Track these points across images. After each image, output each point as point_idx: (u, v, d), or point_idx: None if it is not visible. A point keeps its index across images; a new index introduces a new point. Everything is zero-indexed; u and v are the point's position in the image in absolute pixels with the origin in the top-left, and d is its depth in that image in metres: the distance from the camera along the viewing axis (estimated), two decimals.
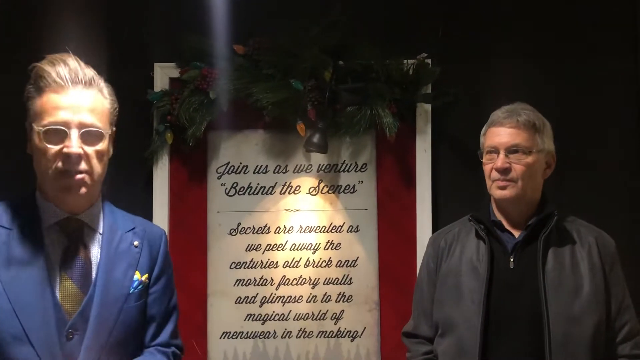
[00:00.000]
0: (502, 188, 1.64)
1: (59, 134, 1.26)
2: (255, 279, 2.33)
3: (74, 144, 1.26)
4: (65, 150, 1.25)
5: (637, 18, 2.37)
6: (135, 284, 1.38)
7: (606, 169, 2.36)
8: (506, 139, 1.64)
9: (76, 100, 1.28)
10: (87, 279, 1.30)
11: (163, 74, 2.33)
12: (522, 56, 2.38)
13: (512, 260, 1.63)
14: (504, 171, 1.62)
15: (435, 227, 2.29)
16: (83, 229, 1.35)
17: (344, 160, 2.36)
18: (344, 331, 2.32)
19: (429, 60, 2.30)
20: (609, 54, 2.38)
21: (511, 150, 1.63)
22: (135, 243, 1.40)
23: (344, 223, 2.34)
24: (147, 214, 2.31)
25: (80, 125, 1.28)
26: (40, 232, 1.28)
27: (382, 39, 2.32)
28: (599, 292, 1.59)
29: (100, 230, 1.38)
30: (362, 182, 2.35)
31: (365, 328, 2.32)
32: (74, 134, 1.26)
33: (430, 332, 1.74)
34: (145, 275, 1.41)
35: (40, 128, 1.27)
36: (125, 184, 2.34)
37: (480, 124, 2.28)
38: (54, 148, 1.26)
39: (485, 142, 1.71)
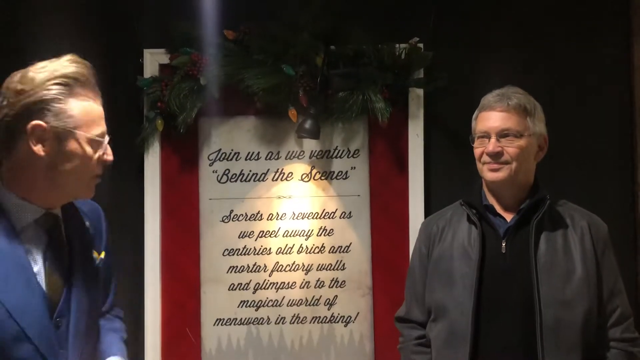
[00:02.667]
0: (494, 170, 1.63)
1: (99, 142, 1.31)
2: (248, 266, 2.32)
3: (110, 152, 1.34)
4: (106, 157, 1.32)
5: (630, 3, 2.36)
6: (97, 262, 1.43)
7: (597, 155, 2.36)
8: (497, 123, 1.63)
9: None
10: (64, 267, 1.32)
11: (153, 60, 2.30)
12: (515, 41, 2.37)
13: (504, 244, 1.63)
14: (495, 155, 1.62)
15: (427, 213, 2.29)
16: (58, 222, 1.35)
17: (336, 146, 2.35)
18: (337, 316, 2.32)
19: (421, 45, 2.28)
20: (602, 39, 2.38)
21: (502, 134, 1.62)
22: (87, 224, 1.43)
23: (336, 209, 2.34)
24: (138, 202, 2.30)
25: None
26: (15, 231, 1.26)
27: (373, 24, 2.31)
28: (591, 277, 1.58)
29: (64, 219, 1.39)
30: (354, 168, 2.34)
31: (358, 313, 2.33)
32: (106, 141, 1.34)
33: (422, 317, 1.75)
34: (102, 253, 1.46)
35: (89, 135, 1.28)
36: (116, 172, 2.26)
37: (472, 109, 2.26)
38: (94, 155, 1.30)
39: (477, 127, 1.70)
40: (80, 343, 1.30)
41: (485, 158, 1.64)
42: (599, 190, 2.32)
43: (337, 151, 2.35)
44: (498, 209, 1.69)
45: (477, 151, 1.68)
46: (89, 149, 1.29)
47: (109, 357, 1.41)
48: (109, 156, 1.33)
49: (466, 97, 2.28)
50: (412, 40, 2.27)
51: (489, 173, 1.64)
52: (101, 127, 1.31)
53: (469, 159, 2.28)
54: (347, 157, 2.35)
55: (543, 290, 1.55)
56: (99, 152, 1.31)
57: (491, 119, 1.64)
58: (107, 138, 1.33)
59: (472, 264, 1.62)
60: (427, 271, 1.74)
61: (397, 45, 2.28)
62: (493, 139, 1.62)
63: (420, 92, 2.31)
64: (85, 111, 1.28)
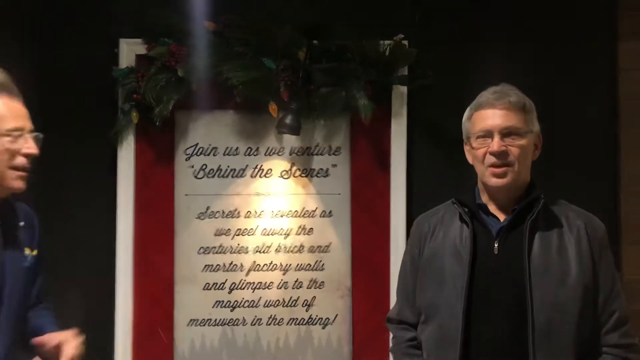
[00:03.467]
0: (499, 176, 1.54)
1: (15, 135, 1.41)
2: (224, 265, 2.26)
3: (32, 146, 1.43)
4: (26, 150, 1.42)
5: (616, 6, 2.35)
6: (28, 258, 1.51)
7: (581, 155, 2.35)
8: (500, 121, 1.53)
9: None
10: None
11: (129, 50, 2.23)
12: (501, 39, 2.35)
13: (496, 245, 1.56)
14: (501, 154, 1.52)
15: (409, 213, 2.26)
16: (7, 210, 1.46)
17: (318, 143, 2.30)
18: (315, 318, 2.28)
19: (405, 42, 2.25)
20: (588, 41, 2.36)
21: (505, 132, 1.53)
22: (21, 223, 1.50)
23: (316, 208, 2.29)
24: (111, 197, 2.23)
25: None
26: None
27: (357, 19, 2.27)
28: (587, 279, 1.52)
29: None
30: (335, 165, 2.30)
31: (337, 315, 2.28)
32: (30, 135, 1.45)
33: (414, 318, 1.69)
34: (35, 251, 1.53)
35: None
36: (88, 165, 2.27)
37: (457, 108, 2.22)
38: (10, 147, 1.40)
39: (475, 126, 1.59)
40: (11, 333, 1.40)
41: (489, 159, 1.54)
42: (583, 189, 2.28)
43: (318, 148, 2.30)
44: (492, 208, 1.62)
45: (479, 152, 1.57)
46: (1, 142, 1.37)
47: (47, 333, 1.50)
48: (30, 149, 1.41)
49: (451, 96, 2.27)
50: (397, 36, 2.23)
51: (492, 178, 1.55)
52: (18, 122, 1.39)
53: (452, 159, 2.27)
54: (328, 154, 2.30)
55: (536, 293, 1.50)
56: (16, 145, 1.38)
57: (493, 117, 1.54)
58: (29, 132, 1.41)
59: (463, 263, 1.55)
60: (418, 270, 1.69)
61: (381, 42, 2.24)
62: (497, 138, 1.53)
63: (404, 89, 2.27)
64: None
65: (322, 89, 2.20)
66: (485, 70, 2.28)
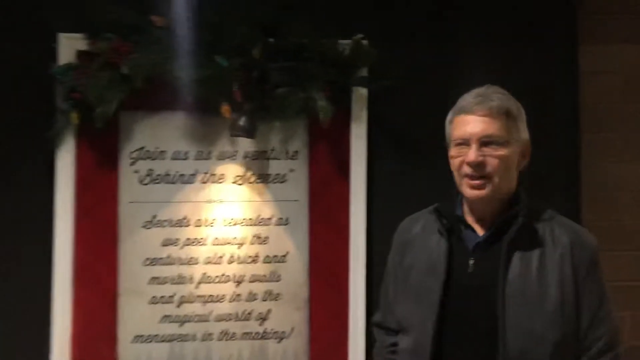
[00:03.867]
0: (476, 188, 1.44)
1: None
2: (172, 277, 2.13)
3: None
4: None
5: (577, 9, 2.32)
6: None
7: (542, 161, 2.27)
8: (478, 129, 1.44)
9: None
10: None
11: (69, 46, 2.07)
12: (463, 40, 2.28)
13: (471, 262, 1.46)
14: (477, 166, 1.43)
15: (370, 220, 2.18)
16: None
17: (273, 147, 2.19)
18: (270, 332, 2.17)
19: (365, 41, 2.15)
20: (549, 44, 2.33)
21: (484, 141, 1.44)
22: None
23: (272, 215, 2.18)
24: (48, 204, 2.07)
25: None
26: None
27: (316, 17, 2.15)
28: (567, 305, 1.41)
29: None
30: (292, 171, 2.20)
31: (293, 328, 2.18)
32: None
33: (395, 325, 1.63)
34: None
35: None
36: (24, 170, 2.11)
37: (419, 111, 2.23)
38: None
39: (453, 133, 1.50)
40: None
41: (466, 169, 1.45)
42: (545, 196, 2.21)
43: (274, 152, 2.20)
44: (471, 220, 1.52)
45: (455, 161, 1.49)
46: None
47: None
48: None
49: (413, 99, 2.23)
50: (356, 36, 2.14)
51: (468, 190, 1.46)
52: None
53: (414, 164, 2.24)
54: (285, 159, 2.20)
55: (510, 319, 1.38)
56: None
57: (471, 123, 1.45)
58: None
59: (437, 280, 1.47)
60: (397, 280, 1.61)
61: (341, 41, 2.14)
62: (474, 147, 1.43)
63: (364, 91, 2.18)
64: None
65: (278, 89, 2.08)
66: (449, 72, 2.23)
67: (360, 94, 2.17)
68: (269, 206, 2.18)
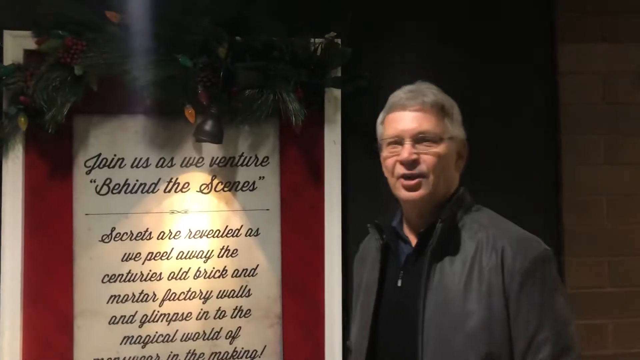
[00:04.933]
0: (411, 189, 1.35)
1: None
2: (133, 295, 2.00)
3: None
4: None
5: (554, 8, 2.27)
6: None
7: (521, 162, 2.24)
8: (412, 125, 1.35)
9: None
10: None
11: (15, 45, 1.93)
12: (441, 40, 2.21)
13: (400, 277, 1.37)
14: (412, 164, 1.34)
15: (345, 229, 2.09)
16: None
17: (242, 153, 2.08)
18: (240, 351, 2.05)
19: (338, 40, 2.05)
20: (527, 43, 2.26)
21: (418, 138, 1.35)
22: None
23: (241, 226, 2.07)
24: None
25: None
26: None
27: (286, 15, 2.04)
28: (495, 321, 1.25)
29: None
30: (263, 178, 2.09)
31: (265, 346, 2.07)
32: None
33: None
34: None
35: None
36: None
37: None
38: None
39: (385, 131, 1.43)
40: None
41: (400, 169, 1.37)
42: (523, 200, 2.19)
43: (242, 158, 2.08)
44: (408, 231, 1.42)
45: (388, 162, 1.41)
46: None
47: None
48: None
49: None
50: (329, 34, 2.04)
51: (403, 192, 1.37)
52: None
53: None
54: (255, 165, 2.09)
55: (428, 338, 1.27)
56: None
57: (403, 120, 1.37)
58: None
59: (372, 298, 1.39)
60: (355, 300, 1.55)
61: (313, 40, 2.04)
62: (408, 144, 1.35)
63: (337, 93, 2.08)
64: None
65: (246, 91, 1.98)
66: (425, 71, 2.09)
67: (334, 95, 2.08)
68: (238, 216, 2.07)
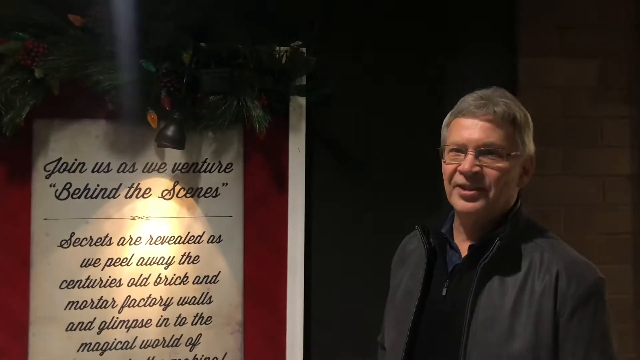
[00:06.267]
0: (468, 199, 1.28)
1: None
2: (92, 301, 1.95)
3: None
4: None
5: (515, 21, 2.31)
6: None
7: None
8: (478, 135, 1.27)
9: None
10: None
11: None
12: (404, 48, 2.21)
13: (446, 286, 1.32)
14: (473, 177, 1.27)
15: (308, 237, 2.09)
16: None
17: (206, 159, 2.05)
18: (201, 358, 2.02)
19: (303, 49, 2.05)
20: (485, 50, 2.28)
21: (483, 151, 1.27)
22: None
23: (203, 232, 2.04)
24: None
25: None
26: None
27: (251, 22, 2.03)
28: (542, 347, 1.21)
29: None
30: (226, 184, 2.06)
31: (226, 354, 2.04)
32: None
33: None
34: None
35: None
36: None
37: (359, 121, 2.15)
38: None
39: (449, 136, 1.34)
40: None
41: (458, 178, 1.30)
42: None
43: (206, 164, 2.05)
44: (459, 239, 1.37)
45: (447, 168, 1.33)
46: None
47: None
48: None
49: (352, 109, 2.15)
50: (294, 43, 2.04)
51: (459, 202, 1.30)
52: None
53: (355, 177, 2.15)
54: (218, 171, 2.06)
55: (470, 353, 1.23)
56: None
57: (470, 128, 1.28)
58: None
59: (412, 304, 1.35)
60: (390, 299, 1.51)
61: (278, 48, 2.03)
62: (470, 155, 1.27)
63: (302, 101, 2.08)
64: None
65: (210, 97, 1.95)
66: (388, 81, 2.18)
67: (298, 103, 2.07)
68: (200, 222, 2.04)
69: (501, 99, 1.30)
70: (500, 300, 1.24)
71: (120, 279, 1.97)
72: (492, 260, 1.26)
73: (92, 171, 1.97)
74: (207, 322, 2.03)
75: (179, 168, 2.03)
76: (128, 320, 1.97)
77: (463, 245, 1.35)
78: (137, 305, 1.98)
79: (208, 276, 2.04)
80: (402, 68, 2.20)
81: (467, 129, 1.29)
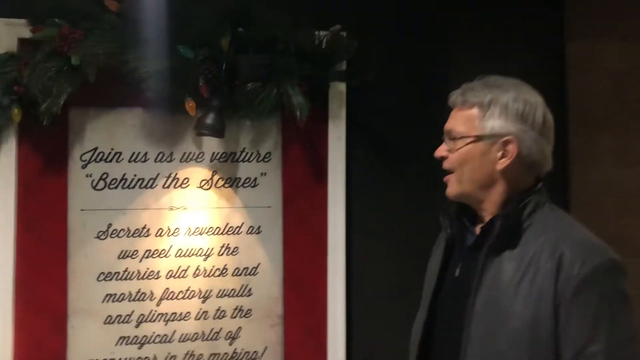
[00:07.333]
0: (448, 184, 1.41)
1: None
2: (130, 294, 1.94)
3: None
4: None
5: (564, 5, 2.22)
6: None
7: None
8: (447, 123, 1.41)
9: None
10: None
11: (10, 33, 1.84)
12: (450, 35, 2.15)
13: (459, 267, 1.38)
14: (443, 161, 1.41)
15: (349, 227, 2.05)
16: None
17: (244, 148, 2.02)
18: (240, 352, 2.00)
19: (343, 33, 1.99)
20: (534, 34, 2.21)
21: (449, 136, 1.39)
22: None
23: (242, 223, 2.01)
24: None
25: None
26: None
27: (290, 6, 1.98)
28: (541, 328, 1.20)
29: None
30: (264, 174, 2.03)
31: (266, 348, 2.01)
32: None
33: None
34: None
35: None
36: None
37: (401, 108, 2.10)
38: None
39: None
40: None
41: None
42: None
43: (244, 154, 2.02)
44: (477, 223, 1.42)
45: None
46: None
47: None
48: None
49: (394, 95, 2.10)
50: (334, 27, 1.98)
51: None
52: None
53: (397, 165, 2.10)
54: (257, 161, 2.03)
55: (474, 332, 1.26)
56: None
57: (448, 118, 1.42)
58: None
59: (431, 286, 1.43)
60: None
61: (317, 32, 1.98)
62: (444, 142, 1.42)
63: (342, 87, 2.03)
64: None
65: (249, 84, 1.91)
66: (433, 66, 2.11)
67: (339, 90, 2.02)
68: (239, 213, 2.01)
69: (477, 84, 1.38)
70: (504, 280, 1.27)
71: (159, 271, 1.95)
72: (497, 240, 1.29)
73: (129, 161, 1.95)
74: (246, 315, 2.00)
75: (217, 157, 2.00)
76: (166, 314, 1.95)
77: (479, 227, 1.40)
78: (176, 298, 1.96)
79: (247, 268, 2.01)
80: (446, 53, 2.13)
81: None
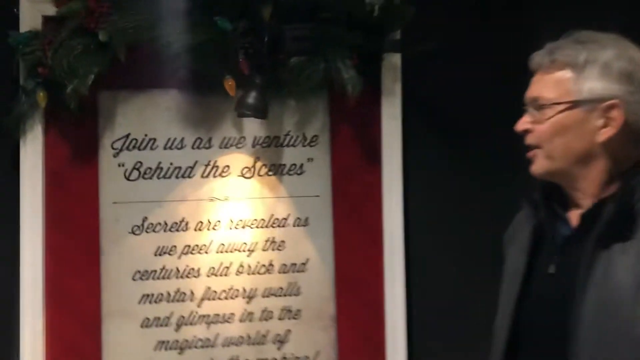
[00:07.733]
0: (532, 161, 1.27)
1: None
2: (168, 294, 1.85)
3: None
4: None
5: None
6: None
7: None
8: (530, 90, 1.27)
9: None
10: None
11: (33, 10, 1.76)
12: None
13: (554, 263, 1.24)
14: (526, 135, 1.27)
15: (407, 218, 1.93)
16: None
17: (288, 131, 1.91)
18: (290, 357, 1.90)
19: None
20: None
21: (534, 105, 1.25)
22: None
23: (288, 215, 1.91)
24: (12, 206, 1.77)
25: None
26: None
27: None
28: None
29: None
30: (311, 160, 1.93)
31: (318, 352, 1.91)
32: None
33: None
34: None
35: None
36: None
37: (463, 83, 1.94)
38: None
39: None
40: None
41: None
42: None
43: (288, 138, 1.92)
44: (572, 208, 1.27)
45: None
46: None
47: None
48: None
49: (455, 69, 1.94)
50: None
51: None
52: None
53: (458, 147, 1.96)
54: (302, 145, 1.92)
55: (585, 341, 1.13)
56: None
57: (530, 84, 1.29)
58: None
59: (515, 285, 1.29)
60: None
61: None
62: (526, 113, 1.28)
63: (397, 60, 1.90)
64: None
65: (293, 58, 1.79)
66: (499, 36, 1.95)
67: (392, 63, 1.89)
68: (284, 203, 1.91)
69: (566, 41, 1.24)
70: (621, 278, 1.13)
71: (199, 269, 1.86)
72: (608, 229, 1.15)
73: (164, 148, 1.85)
74: (295, 317, 1.90)
75: (259, 142, 1.90)
76: (208, 315, 1.86)
77: (574, 214, 1.26)
78: (218, 298, 1.87)
79: (295, 264, 1.91)
80: (516, 22, 1.96)
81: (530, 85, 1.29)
